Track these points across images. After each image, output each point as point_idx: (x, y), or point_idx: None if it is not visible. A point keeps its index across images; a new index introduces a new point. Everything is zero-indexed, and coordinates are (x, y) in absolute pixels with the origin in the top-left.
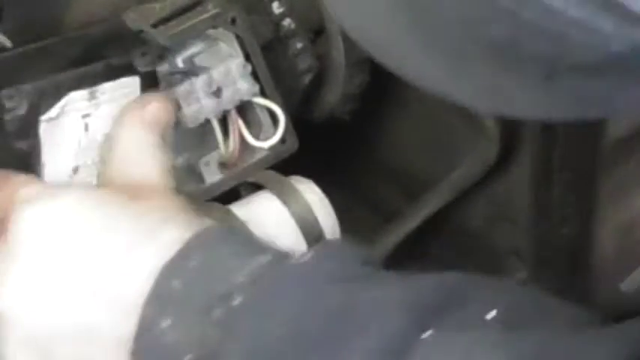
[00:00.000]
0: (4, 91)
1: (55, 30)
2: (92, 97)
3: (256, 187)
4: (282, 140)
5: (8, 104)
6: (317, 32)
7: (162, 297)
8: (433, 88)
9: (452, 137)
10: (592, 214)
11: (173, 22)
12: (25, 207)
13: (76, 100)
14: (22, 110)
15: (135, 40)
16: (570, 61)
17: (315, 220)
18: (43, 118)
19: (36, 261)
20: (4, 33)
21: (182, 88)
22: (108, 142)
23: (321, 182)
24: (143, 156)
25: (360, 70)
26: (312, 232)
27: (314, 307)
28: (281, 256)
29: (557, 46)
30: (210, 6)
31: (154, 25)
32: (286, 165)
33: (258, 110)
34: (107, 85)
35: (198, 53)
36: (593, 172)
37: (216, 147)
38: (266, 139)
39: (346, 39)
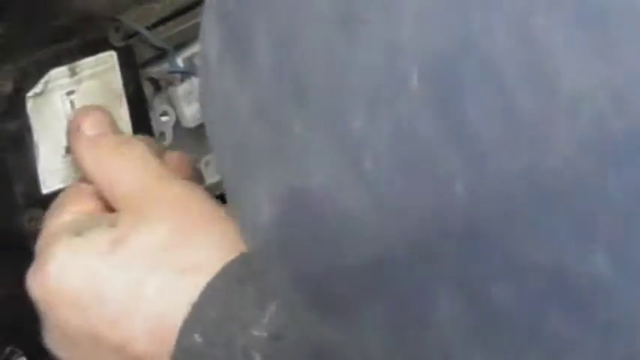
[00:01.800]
0: None
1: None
2: (73, 73)
3: None
4: None
5: None
6: None
7: (186, 352)
8: None
9: None
10: None
11: (173, 22)
12: (49, 264)
13: (57, 76)
14: (7, 90)
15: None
16: None
17: None
18: (29, 95)
19: (65, 321)
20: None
21: (182, 88)
22: (89, 181)
23: None
24: (139, 180)
25: None
26: None
27: None
28: None
29: None
30: None
31: (154, 25)
32: None
33: None
34: (86, 61)
35: (198, 53)
36: None
37: None
38: None
39: None
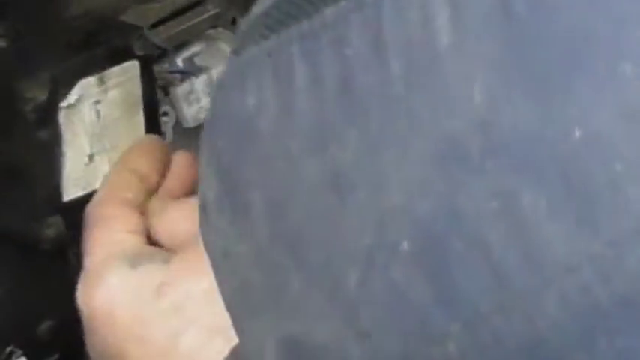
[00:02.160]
0: (22, 83)
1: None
2: (101, 82)
3: None
4: None
5: (27, 94)
6: None
7: None
8: None
9: None
10: None
11: (173, 22)
12: (101, 289)
13: (87, 86)
14: (41, 99)
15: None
16: None
17: None
18: (62, 105)
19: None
20: (4, 29)
21: (182, 88)
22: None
23: None
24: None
25: None
26: None
27: None
28: None
29: None
30: (210, 6)
31: (154, 25)
32: None
33: None
34: (113, 70)
35: (198, 53)
36: None
37: None
38: None
39: None
